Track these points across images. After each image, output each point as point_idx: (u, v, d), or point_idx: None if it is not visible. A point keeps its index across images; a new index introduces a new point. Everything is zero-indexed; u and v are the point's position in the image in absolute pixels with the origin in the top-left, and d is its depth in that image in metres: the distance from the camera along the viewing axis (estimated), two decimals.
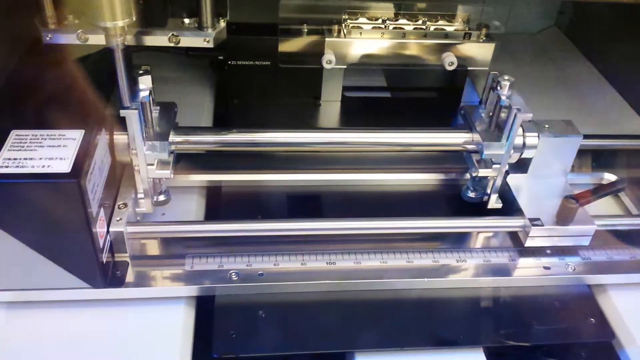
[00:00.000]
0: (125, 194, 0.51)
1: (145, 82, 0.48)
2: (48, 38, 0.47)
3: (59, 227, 0.43)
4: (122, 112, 0.46)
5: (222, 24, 0.51)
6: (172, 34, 0.49)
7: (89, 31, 0.47)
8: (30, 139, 0.44)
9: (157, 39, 0.49)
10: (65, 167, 0.41)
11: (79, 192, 0.41)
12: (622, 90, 0.81)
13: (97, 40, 0.47)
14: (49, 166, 0.42)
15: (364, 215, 0.57)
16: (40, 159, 0.42)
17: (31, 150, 0.43)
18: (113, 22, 0.42)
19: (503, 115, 0.53)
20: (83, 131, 0.45)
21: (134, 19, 0.44)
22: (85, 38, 0.47)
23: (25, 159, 0.42)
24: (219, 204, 0.58)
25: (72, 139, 0.44)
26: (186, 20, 0.50)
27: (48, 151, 0.43)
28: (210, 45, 0.50)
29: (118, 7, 0.42)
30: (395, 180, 0.61)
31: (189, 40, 0.50)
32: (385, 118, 0.72)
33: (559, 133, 0.55)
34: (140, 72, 0.48)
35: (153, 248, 0.52)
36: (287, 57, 0.67)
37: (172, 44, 0.50)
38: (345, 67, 0.69)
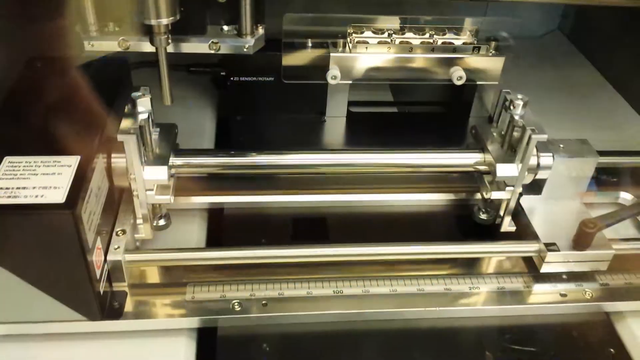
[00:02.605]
0: (124, 220, 0.49)
1: (143, 105, 0.46)
2: (90, 46, 0.48)
3: (53, 258, 0.41)
4: (120, 137, 0.44)
5: (261, 30, 0.51)
6: (212, 41, 0.49)
7: (130, 38, 0.48)
8: (24, 166, 0.42)
9: (197, 46, 0.49)
10: (59, 197, 0.40)
11: (73, 223, 0.39)
12: (626, 94, 0.80)
13: (138, 46, 0.48)
14: (42, 196, 0.40)
15: (372, 237, 0.55)
16: (34, 188, 0.40)
17: (24, 178, 0.41)
18: (158, 20, 0.43)
19: (516, 134, 0.51)
20: (79, 157, 0.43)
21: (178, 17, 0.44)
22: (126, 45, 0.48)
23: (18, 188, 0.40)
24: (221, 227, 0.56)
25: (67, 165, 0.42)
26: (225, 28, 0.50)
27: (42, 179, 0.41)
28: (250, 52, 0.50)
29: (163, 5, 0.42)
30: (404, 200, 0.59)
31: (229, 47, 0.50)
32: (392, 134, 0.70)
33: (574, 153, 0.53)
34: (139, 94, 0.47)
35: (153, 275, 0.50)
36: (291, 73, 0.65)
37: (212, 51, 0.50)
38: (350, 82, 0.67)
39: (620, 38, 0.82)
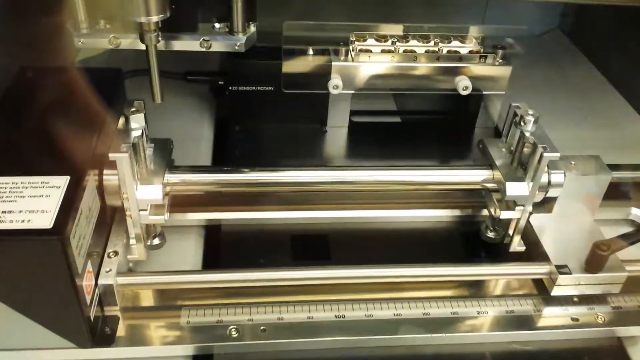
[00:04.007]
0: (116, 240, 0.47)
1: (137, 121, 0.44)
2: (80, 43, 0.47)
3: (41, 284, 0.39)
4: (112, 156, 0.42)
5: (253, 28, 0.50)
6: (203, 39, 0.48)
7: (121, 35, 0.47)
8: (10, 187, 0.40)
9: (188, 44, 0.49)
10: (46, 222, 0.37)
11: (61, 249, 0.37)
12: (625, 93, 0.79)
13: (128, 44, 0.48)
14: (29, 220, 0.38)
15: (375, 255, 0.54)
16: (20, 211, 0.38)
17: (10, 201, 0.39)
18: (147, 18, 0.42)
19: (526, 150, 0.49)
20: (68, 177, 0.41)
21: (168, 14, 0.43)
22: (117, 42, 0.47)
23: (3, 212, 0.38)
24: (218, 245, 0.54)
25: (56, 187, 0.40)
26: (217, 25, 0.49)
27: (29, 202, 0.39)
28: (242, 49, 0.49)
29: (152, 2, 0.42)
30: (408, 217, 0.57)
31: (220, 45, 0.49)
32: (396, 144, 0.68)
33: (586, 171, 0.50)
34: (132, 109, 0.44)
35: (146, 298, 0.48)
36: (291, 82, 0.63)
37: (203, 49, 0.49)
38: (352, 92, 0.65)
39: (620, 37, 0.82)
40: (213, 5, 0.48)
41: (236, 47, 0.49)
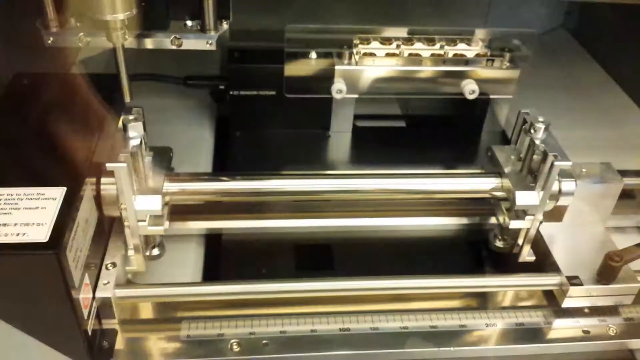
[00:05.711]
0: (115, 251, 0.46)
1: (135, 129, 0.43)
2: (50, 41, 0.47)
3: (37, 298, 0.38)
4: (109, 167, 0.41)
5: (225, 26, 0.49)
6: (175, 37, 0.47)
7: (91, 33, 0.46)
8: (5, 199, 0.38)
9: (159, 42, 0.48)
10: (42, 235, 0.36)
11: (57, 263, 0.36)
12: (631, 92, 0.78)
13: (98, 42, 0.47)
14: (24, 234, 0.36)
15: (380, 264, 0.53)
16: (15, 224, 0.37)
17: (5, 213, 0.38)
18: (113, 15, 0.42)
19: (536, 158, 0.48)
20: (64, 189, 0.39)
21: (135, 12, 0.43)
22: (86, 41, 0.46)
23: None
24: (219, 255, 0.53)
25: (52, 198, 0.39)
26: (188, 23, 0.48)
27: (24, 214, 0.37)
28: (213, 48, 0.48)
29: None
30: (414, 225, 0.56)
31: (191, 43, 0.48)
32: (400, 150, 0.67)
33: (597, 179, 0.49)
34: (131, 117, 0.43)
35: (145, 310, 0.47)
36: (294, 87, 0.62)
37: (174, 47, 0.48)
38: (356, 96, 0.63)
39: (626, 35, 0.80)
40: (185, 3, 0.48)
41: (207, 45, 0.48)
